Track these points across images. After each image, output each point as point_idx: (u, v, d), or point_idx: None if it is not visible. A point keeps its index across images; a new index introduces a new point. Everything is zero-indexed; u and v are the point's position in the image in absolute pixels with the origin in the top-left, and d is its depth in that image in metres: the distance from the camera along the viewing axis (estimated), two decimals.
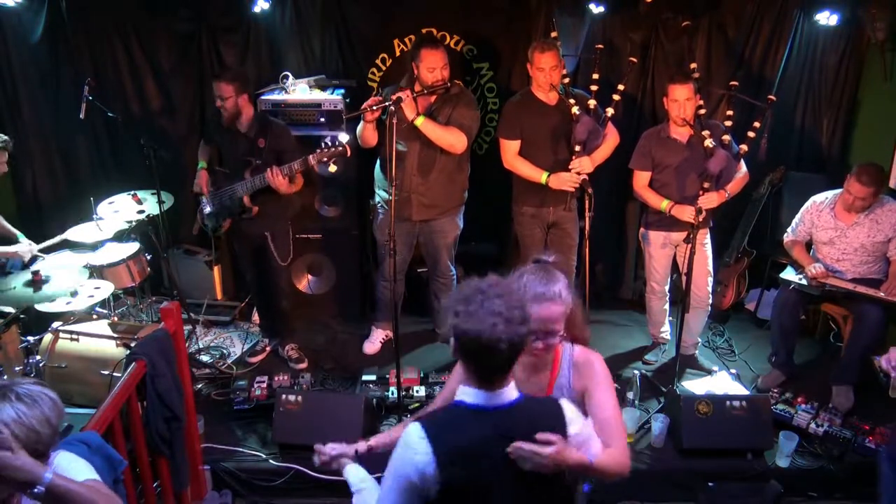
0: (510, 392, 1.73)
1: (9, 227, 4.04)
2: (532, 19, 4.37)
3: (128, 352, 3.31)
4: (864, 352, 3.81)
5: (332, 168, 3.66)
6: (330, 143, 3.59)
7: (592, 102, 3.77)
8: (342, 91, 4.35)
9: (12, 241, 3.99)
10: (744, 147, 3.64)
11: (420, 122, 3.69)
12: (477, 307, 1.64)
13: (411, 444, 1.65)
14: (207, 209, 3.91)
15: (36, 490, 1.67)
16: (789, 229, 4.06)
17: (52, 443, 1.76)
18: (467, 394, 1.72)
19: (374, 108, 3.60)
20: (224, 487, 3.38)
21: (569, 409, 1.81)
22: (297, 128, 4.11)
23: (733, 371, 4.12)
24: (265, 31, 4.41)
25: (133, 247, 4.01)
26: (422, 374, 3.91)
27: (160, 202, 4.00)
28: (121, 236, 4.10)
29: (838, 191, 3.84)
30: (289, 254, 4.09)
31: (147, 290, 4.33)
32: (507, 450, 1.66)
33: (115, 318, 3.79)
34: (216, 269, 4.78)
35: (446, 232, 4.11)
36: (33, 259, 3.87)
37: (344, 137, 3.63)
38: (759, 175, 4.20)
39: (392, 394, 3.71)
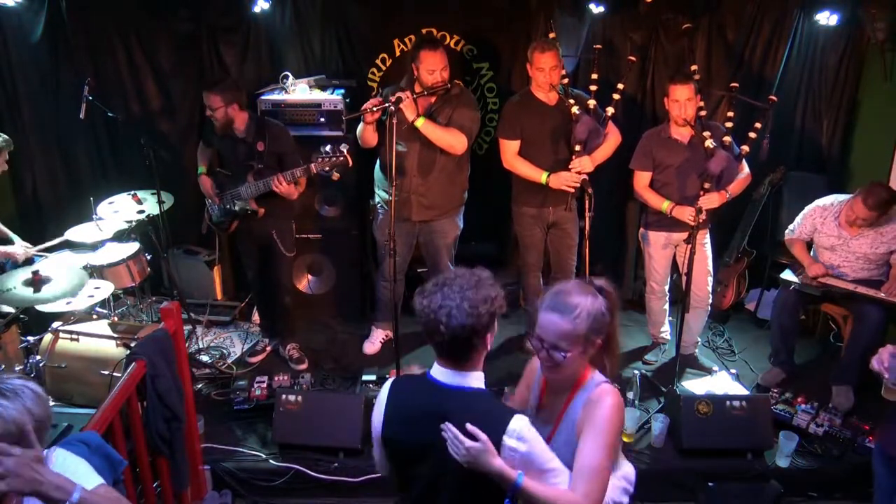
0: (469, 379, 1.86)
1: (3, 228, 4.03)
2: (532, 19, 4.37)
3: (128, 352, 3.31)
4: (864, 352, 3.80)
5: (335, 176, 3.67)
6: (331, 152, 3.59)
7: (592, 102, 3.77)
8: (342, 91, 4.35)
9: (7, 242, 3.99)
10: (745, 148, 3.64)
11: (420, 123, 3.69)
12: (436, 290, 1.79)
13: (380, 393, 1.94)
14: (215, 212, 3.92)
15: None
16: (790, 227, 4.06)
17: (38, 435, 1.72)
18: (433, 365, 1.89)
19: (375, 109, 3.60)
20: (224, 487, 3.38)
21: (521, 425, 1.77)
22: (297, 128, 4.11)
23: (733, 371, 4.12)
24: (265, 31, 4.41)
25: (133, 247, 4.01)
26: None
27: (160, 202, 4.00)
28: (121, 236, 4.10)
29: (843, 198, 3.82)
30: (294, 246, 4.12)
31: (147, 290, 4.33)
32: (441, 426, 1.77)
33: (115, 318, 3.79)
34: (216, 269, 4.79)
35: (446, 232, 4.11)
36: (29, 260, 3.86)
37: (345, 147, 3.63)
38: (759, 175, 4.20)
39: None
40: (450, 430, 1.76)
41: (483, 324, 1.79)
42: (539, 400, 2.08)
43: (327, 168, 3.61)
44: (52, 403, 3.42)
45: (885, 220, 3.71)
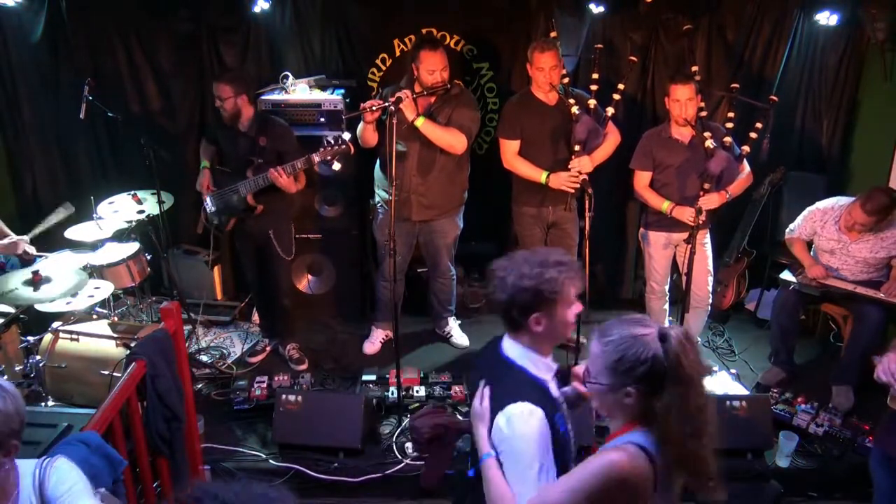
0: (509, 348, 1.90)
1: (3, 227, 4.04)
2: (532, 19, 4.37)
3: (128, 352, 3.31)
4: (864, 352, 3.80)
5: (336, 166, 3.66)
6: (333, 142, 3.59)
7: (592, 102, 3.77)
8: (342, 91, 4.35)
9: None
10: (746, 148, 3.64)
11: (420, 122, 3.70)
12: (510, 257, 1.88)
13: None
14: (211, 208, 3.91)
15: None
16: (790, 226, 4.06)
17: (10, 432, 1.68)
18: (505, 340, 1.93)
19: (374, 108, 3.60)
20: None
21: (518, 411, 1.74)
22: (298, 128, 4.11)
23: (733, 371, 4.12)
24: (265, 31, 4.41)
25: (133, 247, 4.01)
26: (422, 374, 3.91)
27: (160, 202, 4.00)
28: (121, 236, 4.10)
29: (843, 201, 3.82)
30: (292, 249, 4.11)
31: (147, 290, 4.33)
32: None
33: (115, 318, 3.79)
34: (216, 269, 4.79)
35: (446, 232, 4.11)
36: (30, 260, 3.86)
37: (347, 135, 3.63)
38: (759, 175, 4.19)
39: (392, 394, 3.71)
40: (479, 388, 1.88)
41: (520, 299, 1.80)
42: None
43: (329, 157, 3.61)
44: (52, 403, 3.44)
45: (885, 225, 3.70)
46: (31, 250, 3.94)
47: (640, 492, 1.58)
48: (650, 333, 1.63)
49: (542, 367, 1.89)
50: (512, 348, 1.89)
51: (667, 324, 4.30)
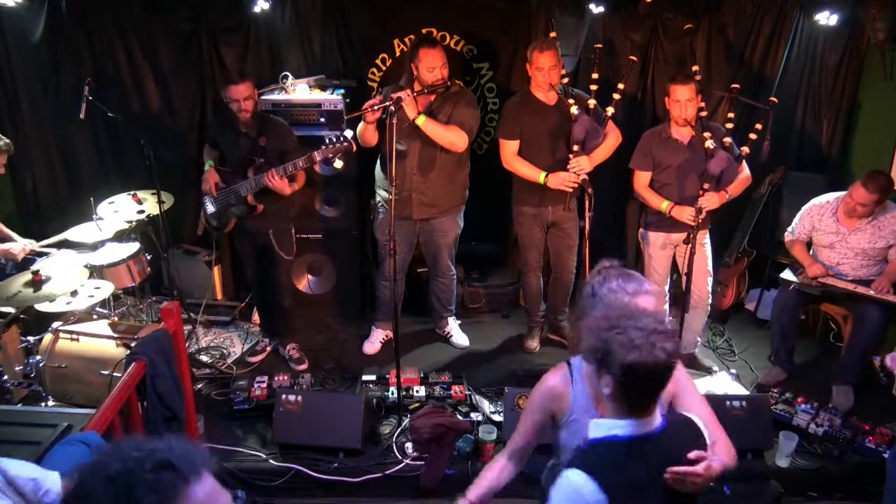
0: (657, 417, 1.69)
1: (4, 229, 4.03)
2: (532, 19, 4.37)
3: (128, 352, 3.31)
4: (863, 352, 3.81)
5: (339, 164, 3.65)
6: (335, 139, 3.59)
7: (592, 102, 3.77)
8: (342, 91, 4.35)
9: (7, 241, 3.98)
10: (745, 149, 3.64)
11: (421, 121, 3.70)
12: (633, 334, 1.58)
13: (580, 491, 1.59)
14: (211, 209, 3.91)
15: None
16: (789, 229, 4.07)
17: None
18: (619, 426, 1.67)
19: (376, 107, 3.60)
20: (224, 487, 3.37)
21: (696, 418, 1.79)
22: (298, 128, 4.11)
23: (733, 371, 4.13)
24: (265, 31, 4.41)
25: (133, 247, 4.01)
26: (422, 374, 3.91)
27: (160, 202, 4.00)
28: (121, 236, 4.10)
29: (840, 194, 3.83)
30: (293, 249, 4.10)
31: (147, 290, 4.33)
32: (665, 477, 1.63)
33: (115, 318, 3.79)
34: (216, 269, 4.79)
35: (446, 231, 4.11)
36: (28, 260, 3.86)
37: (349, 133, 3.63)
38: (759, 175, 4.20)
39: (392, 394, 3.71)
40: (679, 472, 1.66)
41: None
42: (596, 403, 1.99)
43: (331, 155, 3.60)
44: (52, 403, 3.45)
45: (881, 212, 3.72)
46: (35, 246, 3.94)
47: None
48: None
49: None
50: (657, 416, 1.73)
51: None
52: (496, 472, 2.12)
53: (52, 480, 1.80)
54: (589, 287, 2.02)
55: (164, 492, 0.98)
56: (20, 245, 3.88)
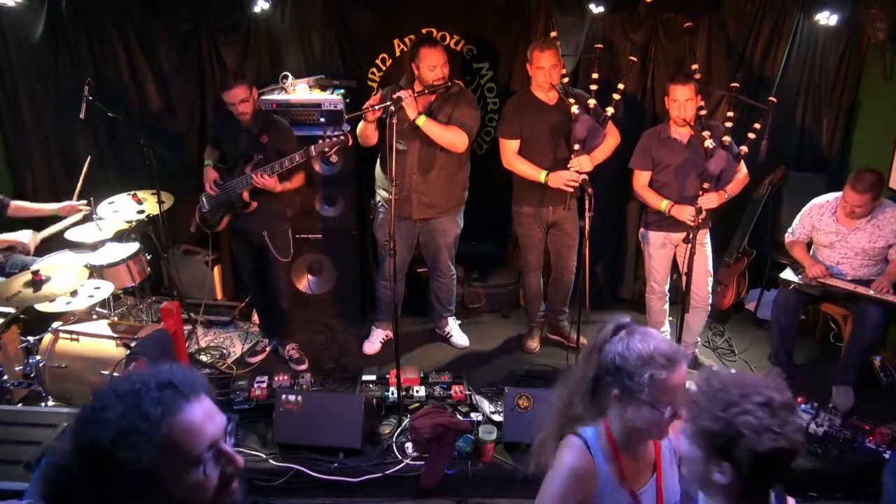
0: None
1: (30, 205, 4.06)
2: (532, 19, 4.37)
3: (128, 352, 3.31)
4: (863, 352, 3.81)
5: (334, 158, 3.65)
6: (331, 133, 3.58)
7: (592, 102, 3.77)
8: (342, 91, 4.35)
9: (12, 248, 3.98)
10: (744, 148, 3.64)
11: (422, 121, 3.70)
12: (761, 415, 1.33)
13: None
14: (205, 206, 3.90)
15: None
16: (789, 230, 4.06)
17: None
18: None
19: (376, 107, 3.60)
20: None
21: None
22: (298, 128, 4.11)
23: (733, 371, 4.12)
24: (265, 31, 4.41)
25: (133, 247, 4.01)
26: (422, 374, 3.91)
27: (160, 202, 4.00)
28: (121, 236, 4.10)
29: (838, 194, 3.84)
30: (289, 251, 4.09)
31: (147, 290, 4.33)
32: None
33: (115, 318, 3.79)
34: (216, 269, 4.79)
35: (447, 231, 4.11)
36: (26, 262, 3.87)
37: (346, 126, 3.63)
38: (759, 175, 4.20)
39: (392, 394, 3.70)
40: None
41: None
42: (621, 480, 1.74)
43: (327, 149, 3.59)
44: (52, 403, 3.45)
45: (880, 212, 3.72)
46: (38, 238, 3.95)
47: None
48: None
49: None
50: None
51: (667, 325, 4.30)
52: None
53: None
54: (613, 355, 1.66)
55: (166, 406, 1.11)
56: (29, 235, 3.89)
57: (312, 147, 3.59)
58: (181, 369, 1.19)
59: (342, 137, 3.57)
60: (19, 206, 4.07)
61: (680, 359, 1.62)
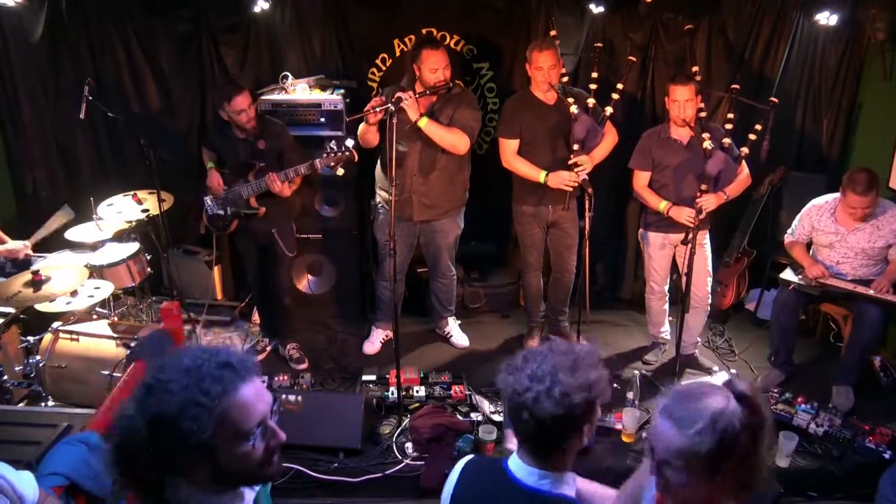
0: (552, 482, 1.54)
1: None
2: (532, 19, 4.38)
3: (128, 352, 3.31)
4: (863, 352, 3.81)
5: (340, 172, 3.67)
6: (336, 148, 3.59)
7: (591, 101, 3.77)
8: (342, 91, 4.35)
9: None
10: (745, 150, 3.64)
11: (423, 123, 3.70)
12: (524, 367, 1.51)
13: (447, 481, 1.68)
14: (212, 211, 3.90)
15: None
16: (789, 230, 4.06)
17: None
18: (514, 456, 1.59)
19: (378, 109, 3.60)
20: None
21: None
22: (298, 128, 4.12)
23: (733, 371, 4.13)
24: (265, 31, 4.41)
25: (133, 247, 4.01)
26: (422, 374, 3.91)
27: (160, 202, 4.00)
28: (121, 236, 4.10)
29: (838, 194, 3.84)
30: (295, 246, 4.12)
31: (147, 290, 4.33)
32: None
33: (115, 318, 3.79)
34: (216, 269, 4.78)
35: (447, 232, 4.11)
36: (26, 261, 3.86)
37: (350, 142, 3.64)
38: (759, 175, 4.19)
39: (392, 394, 3.71)
40: None
41: (577, 414, 1.47)
42: None
43: (332, 164, 3.61)
44: (52, 403, 3.45)
45: (880, 212, 3.72)
46: (30, 253, 3.94)
47: None
48: (729, 400, 1.37)
49: (574, 487, 1.60)
50: (542, 477, 1.55)
51: (667, 325, 4.30)
52: None
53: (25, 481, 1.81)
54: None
55: (224, 384, 1.21)
56: (20, 244, 3.89)
57: (318, 161, 3.62)
58: (238, 351, 1.30)
59: (348, 154, 3.58)
60: None
61: None
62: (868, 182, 3.58)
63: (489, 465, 1.69)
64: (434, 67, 3.64)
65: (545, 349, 1.55)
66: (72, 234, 3.98)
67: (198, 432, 1.17)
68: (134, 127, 4.30)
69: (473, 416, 3.61)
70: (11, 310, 3.56)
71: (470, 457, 1.75)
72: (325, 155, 3.60)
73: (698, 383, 1.46)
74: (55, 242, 4.10)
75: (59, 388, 3.46)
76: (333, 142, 3.66)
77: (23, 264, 3.83)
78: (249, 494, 1.41)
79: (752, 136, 3.62)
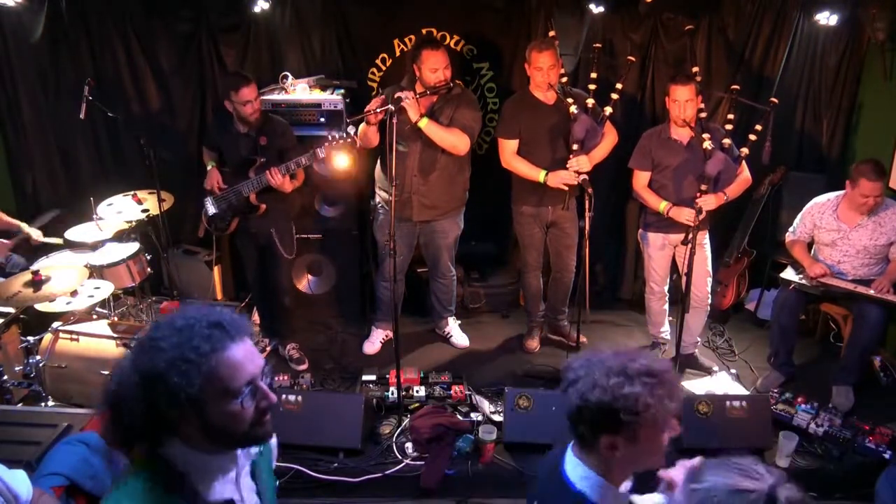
0: (588, 480, 1.54)
1: (10, 220, 4.05)
2: (532, 19, 4.37)
3: (128, 352, 3.31)
4: (863, 352, 3.81)
5: (343, 161, 3.65)
6: (337, 136, 3.58)
7: (591, 101, 3.77)
8: (342, 91, 4.35)
9: (15, 233, 4.00)
10: (745, 150, 3.64)
11: (424, 123, 3.70)
12: (603, 355, 1.53)
13: None
14: (212, 210, 3.90)
15: None
16: (790, 229, 4.06)
17: None
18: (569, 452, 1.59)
19: (378, 109, 3.60)
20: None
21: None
22: (298, 128, 4.11)
23: (733, 371, 4.13)
24: (265, 31, 4.40)
25: (133, 247, 4.02)
26: (422, 374, 3.91)
27: (160, 202, 4.00)
28: (121, 236, 4.10)
29: (840, 193, 3.84)
30: (294, 247, 4.11)
31: (147, 290, 4.33)
32: None
33: (115, 318, 3.79)
34: (216, 269, 4.78)
35: (447, 232, 4.11)
36: (31, 251, 3.88)
37: (351, 129, 3.63)
38: (759, 175, 4.19)
39: (392, 394, 3.71)
40: None
41: (594, 411, 1.46)
42: None
43: (334, 151, 3.60)
44: (52, 403, 3.45)
45: (882, 208, 3.73)
46: (39, 235, 3.97)
47: None
48: (757, 491, 1.21)
49: (608, 499, 1.53)
50: (575, 468, 1.54)
51: (666, 325, 4.30)
52: None
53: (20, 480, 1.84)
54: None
55: (214, 343, 1.26)
56: (37, 231, 3.92)
57: (319, 149, 3.59)
58: (229, 313, 1.33)
59: (348, 140, 3.57)
60: None
61: None
62: (879, 167, 3.61)
63: (558, 453, 1.64)
64: (434, 67, 3.64)
65: (631, 351, 1.54)
66: (72, 234, 3.98)
67: (185, 387, 1.22)
68: (134, 127, 4.30)
69: (473, 416, 3.61)
70: (11, 310, 3.56)
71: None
72: (325, 143, 3.59)
73: (741, 462, 1.28)
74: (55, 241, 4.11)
75: (59, 388, 3.46)
76: (334, 130, 3.64)
77: (28, 255, 3.84)
78: (245, 461, 1.45)
79: (753, 137, 3.62)
